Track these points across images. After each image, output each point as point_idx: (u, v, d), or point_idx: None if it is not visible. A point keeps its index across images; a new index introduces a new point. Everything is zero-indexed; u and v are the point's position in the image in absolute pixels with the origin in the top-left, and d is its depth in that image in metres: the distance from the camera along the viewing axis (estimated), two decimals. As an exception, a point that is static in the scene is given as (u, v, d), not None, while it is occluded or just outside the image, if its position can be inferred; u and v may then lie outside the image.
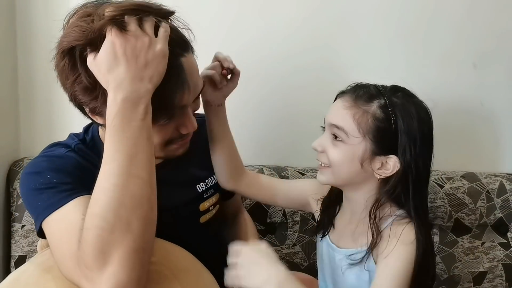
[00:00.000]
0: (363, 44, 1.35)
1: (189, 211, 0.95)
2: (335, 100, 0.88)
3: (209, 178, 0.98)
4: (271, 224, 1.30)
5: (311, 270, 1.28)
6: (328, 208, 0.95)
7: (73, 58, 0.72)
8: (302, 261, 1.30)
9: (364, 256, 0.83)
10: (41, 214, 0.75)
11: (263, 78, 1.35)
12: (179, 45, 0.76)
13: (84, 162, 0.82)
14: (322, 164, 0.87)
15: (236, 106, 1.32)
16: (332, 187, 0.94)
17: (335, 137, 0.84)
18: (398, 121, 0.80)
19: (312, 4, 1.33)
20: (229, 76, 0.95)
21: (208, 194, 0.97)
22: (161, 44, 0.71)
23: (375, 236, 0.82)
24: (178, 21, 0.80)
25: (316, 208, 0.98)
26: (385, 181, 0.84)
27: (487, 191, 1.30)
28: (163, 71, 0.71)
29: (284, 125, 1.39)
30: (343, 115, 0.83)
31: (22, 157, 1.30)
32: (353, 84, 0.88)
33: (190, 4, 1.26)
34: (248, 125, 1.36)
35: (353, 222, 0.88)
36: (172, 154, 0.86)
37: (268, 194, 1.02)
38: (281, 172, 1.31)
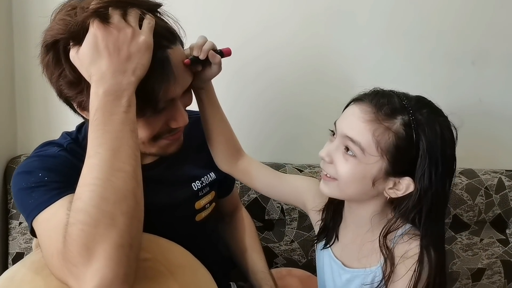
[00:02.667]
0: (361, 41, 1.34)
1: (184, 210, 0.94)
2: (348, 105, 0.79)
3: (205, 176, 0.97)
4: (269, 221, 1.30)
5: (309, 267, 1.28)
6: (330, 216, 0.88)
7: (57, 52, 0.71)
8: (300, 257, 1.30)
9: (379, 285, 0.78)
10: (31, 213, 0.74)
11: (261, 74, 1.35)
12: (165, 37, 0.74)
13: (76, 161, 0.80)
14: (328, 175, 0.79)
15: (234, 102, 1.35)
16: None
17: (347, 149, 0.75)
18: (420, 143, 0.72)
19: (310, 9, 1.32)
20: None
21: (204, 192, 0.96)
22: (144, 36, 0.69)
23: (388, 266, 0.76)
24: (167, 15, 0.78)
25: (313, 215, 0.92)
26: (394, 200, 0.77)
27: (486, 188, 1.30)
28: (147, 63, 0.69)
29: (282, 122, 1.39)
30: (361, 129, 0.73)
31: (19, 154, 1.29)
32: (371, 90, 0.79)
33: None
34: (246, 121, 1.35)
35: (358, 240, 0.82)
36: (164, 151, 0.84)
37: (263, 185, 0.96)
38: (279, 169, 1.30)
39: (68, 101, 0.78)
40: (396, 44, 1.35)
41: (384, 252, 0.76)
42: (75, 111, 0.79)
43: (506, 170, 1.36)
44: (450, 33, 1.35)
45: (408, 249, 0.75)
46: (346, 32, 1.34)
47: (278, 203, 1.28)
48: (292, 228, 1.29)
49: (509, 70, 1.39)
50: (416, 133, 0.72)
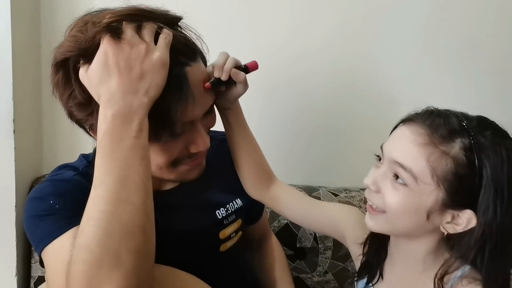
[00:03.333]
0: (402, 52, 1.26)
1: (208, 239, 0.87)
2: (397, 126, 0.72)
3: (230, 203, 0.90)
4: (300, 249, 1.21)
5: None
6: (374, 250, 0.78)
7: (67, 71, 0.67)
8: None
9: None
10: (40, 243, 0.70)
11: (293, 93, 1.29)
12: (184, 53, 0.68)
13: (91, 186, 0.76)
14: (374, 207, 0.70)
15: (265, 122, 1.29)
16: None
17: (397, 176, 0.67)
18: (484, 170, 0.62)
19: (343, 16, 1.25)
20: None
21: (229, 220, 0.89)
22: (160, 52, 0.63)
23: None
24: (189, 29, 0.73)
25: (354, 248, 0.83)
26: (452, 237, 0.68)
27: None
28: (162, 82, 0.63)
29: (314, 140, 1.31)
30: (413, 154, 0.65)
31: (44, 173, 1.27)
32: (424, 109, 0.70)
33: (203, 9, 1.23)
34: (277, 142, 1.29)
35: (407, 280, 0.73)
36: (184, 177, 0.77)
37: (297, 214, 0.88)
38: (312, 192, 1.22)
39: (79, 123, 0.73)
40: (438, 56, 1.26)
41: None
42: (87, 133, 0.74)
43: None
44: (498, 47, 1.24)
45: None
46: (384, 42, 1.26)
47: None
48: (326, 258, 1.20)
49: None
50: (479, 159, 0.62)
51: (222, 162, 0.88)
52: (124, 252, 0.55)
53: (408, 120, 0.69)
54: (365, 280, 0.79)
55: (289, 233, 1.19)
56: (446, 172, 0.63)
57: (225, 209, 0.88)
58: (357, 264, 0.82)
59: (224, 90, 0.77)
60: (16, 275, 1.17)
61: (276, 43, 1.26)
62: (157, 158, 0.71)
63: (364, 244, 0.79)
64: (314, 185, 1.26)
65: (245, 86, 0.78)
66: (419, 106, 1.25)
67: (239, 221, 0.91)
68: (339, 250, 1.19)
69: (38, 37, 1.25)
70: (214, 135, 0.92)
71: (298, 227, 1.19)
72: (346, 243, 0.86)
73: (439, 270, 0.67)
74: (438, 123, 0.65)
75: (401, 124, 0.71)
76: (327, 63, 1.26)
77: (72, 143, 1.29)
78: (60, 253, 0.65)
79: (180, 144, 0.71)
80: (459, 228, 0.65)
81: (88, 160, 0.83)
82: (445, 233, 0.67)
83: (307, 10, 1.25)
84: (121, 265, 0.55)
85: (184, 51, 0.68)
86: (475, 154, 0.62)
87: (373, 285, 0.78)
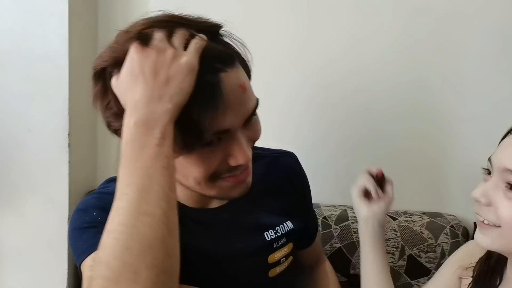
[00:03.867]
0: (470, 68, 1.16)
1: (255, 263, 0.82)
2: (506, 135, 0.69)
3: (280, 225, 0.84)
4: (355, 276, 1.12)
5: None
6: (486, 275, 0.74)
7: (104, 81, 0.65)
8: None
9: None
10: (80, 256, 0.69)
11: (344, 100, 1.22)
12: (220, 58, 0.64)
13: None
14: (486, 222, 0.67)
15: (318, 138, 1.22)
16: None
17: (510, 185, 0.63)
18: None
19: (404, 30, 1.18)
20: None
21: (279, 244, 0.83)
22: (188, 57, 0.60)
23: None
24: (233, 38, 0.68)
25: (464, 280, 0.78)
26: None
27: None
28: (189, 87, 0.59)
29: (372, 161, 1.22)
30: None
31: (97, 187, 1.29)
32: None
33: (254, 20, 1.20)
34: (330, 159, 1.21)
35: None
36: (227, 195, 0.72)
37: None
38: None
39: (117, 134, 0.71)
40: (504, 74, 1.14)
41: None
42: None
43: None
44: None
45: None
46: (450, 57, 1.16)
47: (366, 255, 1.11)
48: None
49: None
50: None
51: (272, 181, 0.84)
52: (142, 267, 0.52)
53: None
54: None
55: (342, 258, 1.12)
56: None
57: (274, 231, 0.83)
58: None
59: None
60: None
61: (332, 55, 1.20)
62: (194, 171, 0.67)
63: (478, 268, 0.74)
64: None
65: (390, 194, 0.87)
66: (489, 123, 1.14)
67: (290, 245, 0.85)
68: (398, 279, 1.10)
69: (95, 50, 1.27)
70: (265, 153, 0.88)
71: (352, 251, 1.11)
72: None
73: None
74: None
75: (510, 134, 0.68)
76: (384, 77, 1.19)
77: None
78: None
79: (217, 155, 0.66)
80: None
81: None
82: None
83: (365, 21, 1.18)
84: (139, 281, 0.51)
85: (221, 56, 0.64)
86: None
87: None
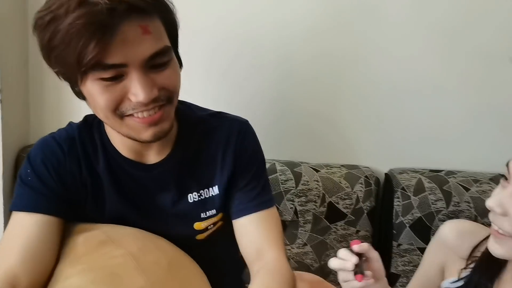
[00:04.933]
0: (388, 36, 1.26)
1: (181, 227, 0.86)
2: None
3: (204, 190, 0.86)
4: (281, 222, 1.24)
5: (322, 272, 1.23)
6: (485, 269, 0.73)
7: (53, 31, 0.67)
8: (312, 262, 1.24)
9: None
10: (12, 205, 0.78)
11: (280, 73, 1.30)
12: (134, 6, 0.66)
13: (75, 151, 0.81)
14: (500, 231, 0.64)
15: (252, 100, 1.30)
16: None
17: None
18: None
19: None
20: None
21: (207, 214, 0.86)
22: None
23: None
24: None
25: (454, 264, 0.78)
26: None
27: None
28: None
29: (299, 120, 1.33)
30: None
31: (31, 143, 1.29)
32: None
33: None
34: (263, 119, 1.30)
35: None
36: (137, 135, 0.75)
37: None
38: (294, 168, 1.25)
39: (72, 83, 0.74)
40: (427, 39, 1.26)
41: None
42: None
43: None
44: (487, 30, 1.25)
45: None
46: (369, 25, 1.26)
47: (292, 203, 1.22)
48: (305, 231, 1.24)
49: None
50: None
51: (210, 150, 0.85)
52: None
53: None
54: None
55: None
56: None
57: (198, 194, 0.85)
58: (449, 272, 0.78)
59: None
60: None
61: (265, 27, 1.26)
62: (99, 101, 0.70)
63: (471, 259, 0.74)
64: (296, 161, 1.29)
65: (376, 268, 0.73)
66: (399, 87, 1.24)
67: (220, 215, 0.88)
68: (318, 223, 1.23)
69: (24, 6, 1.24)
70: (212, 119, 0.87)
71: (279, 200, 1.22)
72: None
73: None
74: None
75: None
76: (313, 47, 1.27)
77: (58, 112, 1.31)
78: (14, 228, 0.76)
79: (119, 89, 0.70)
80: None
81: (79, 126, 0.83)
82: None
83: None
84: None
85: (136, 4, 0.66)
86: None
87: None
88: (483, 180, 1.23)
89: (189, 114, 0.87)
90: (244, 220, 0.84)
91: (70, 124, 0.85)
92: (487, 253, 0.71)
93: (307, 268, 1.23)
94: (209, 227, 0.87)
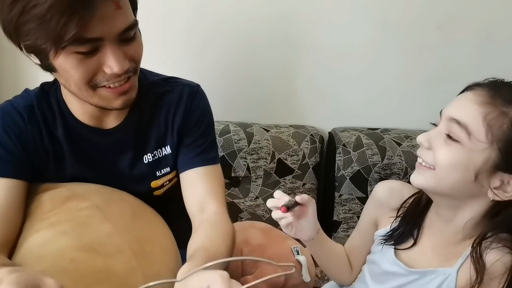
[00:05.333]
0: (327, 5, 1.35)
1: (139, 185, 0.92)
2: (461, 92, 0.72)
3: (157, 150, 0.91)
4: (235, 178, 1.35)
5: (273, 221, 1.33)
6: (412, 216, 0.80)
7: None
8: (264, 213, 1.37)
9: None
10: None
11: (231, 37, 1.37)
12: None
13: (34, 118, 0.83)
14: (424, 163, 0.71)
15: (206, 65, 1.37)
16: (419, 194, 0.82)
17: (450, 136, 0.68)
18: None
19: None
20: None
21: (162, 172, 0.92)
22: None
23: (479, 277, 0.68)
24: None
25: (386, 216, 0.86)
26: (497, 204, 0.69)
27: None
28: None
29: (250, 84, 1.42)
30: (471, 110, 0.66)
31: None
32: (491, 79, 0.71)
33: None
34: (216, 83, 1.37)
35: (443, 247, 0.76)
36: (108, 104, 0.80)
37: (367, 250, 0.91)
38: (246, 128, 1.35)
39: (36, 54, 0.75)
40: (365, 10, 1.36)
41: (476, 262, 0.69)
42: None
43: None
44: (417, 1, 1.36)
45: (502, 255, 0.69)
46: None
47: (245, 160, 1.33)
48: (257, 185, 1.35)
49: (476, 34, 1.42)
50: None
51: (162, 110, 0.90)
52: None
53: (472, 86, 0.71)
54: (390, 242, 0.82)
55: (225, 164, 1.31)
56: (502, 132, 0.64)
57: (152, 154, 0.91)
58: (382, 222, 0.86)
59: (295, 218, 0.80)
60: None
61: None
62: (73, 75, 0.74)
63: (407, 210, 0.81)
64: (248, 122, 1.39)
65: (307, 213, 0.81)
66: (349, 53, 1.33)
67: (174, 172, 0.94)
68: (269, 178, 1.34)
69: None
70: (165, 83, 0.92)
71: (233, 158, 1.32)
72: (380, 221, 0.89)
73: (477, 238, 0.69)
74: (502, 89, 0.67)
75: (465, 90, 0.71)
76: (264, 16, 1.35)
77: (14, 79, 1.32)
78: None
79: (93, 62, 0.74)
80: (508, 195, 0.66)
81: (36, 93, 0.86)
82: (492, 199, 0.67)
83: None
84: None
85: None
86: None
87: (400, 250, 0.81)
88: (413, 136, 1.38)
89: (142, 79, 0.90)
90: (189, 173, 0.89)
91: (27, 91, 0.87)
92: (411, 205, 0.81)
93: (260, 219, 1.36)
94: (165, 183, 0.93)
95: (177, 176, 0.94)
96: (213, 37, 1.36)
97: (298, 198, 0.77)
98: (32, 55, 0.75)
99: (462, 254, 0.73)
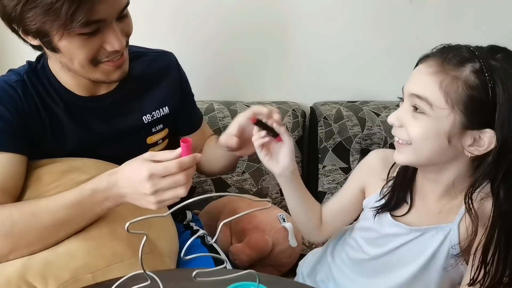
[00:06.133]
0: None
1: (135, 143, 0.97)
2: (416, 66, 0.75)
3: (156, 111, 0.99)
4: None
5: (260, 194, 1.40)
6: (402, 184, 0.83)
7: None
8: (251, 187, 1.41)
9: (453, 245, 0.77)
10: None
11: (214, 16, 1.40)
12: None
13: (28, 92, 0.86)
14: (400, 141, 0.75)
15: (188, 45, 1.41)
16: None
17: (416, 108, 0.72)
18: (497, 89, 0.66)
19: None
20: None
21: (157, 129, 1.00)
22: None
23: (474, 227, 0.73)
24: None
25: (373, 188, 0.88)
26: (477, 159, 0.72)
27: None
28: None
29: (233, 62, 1.46)
30: (426, 82, 0.70)
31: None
32: (439, 47, 0.74)
33: None
34: (199, 63, 1.41)
35: (435, 204, 0.80)
36: (107, 77, 0.86)
37: (350, 219, 0.94)
38: (230, 106, 1.39)
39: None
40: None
41: (469, 213, 0.73)
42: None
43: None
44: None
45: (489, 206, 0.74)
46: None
47: (230, 137, 1.37)
48: (243, 160, 1.40)
49: (446, 7, 1.47)
50: (491, 79, 0.67)
51: (151, 75, 0.98)
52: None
53: (424, 57, 0.74)
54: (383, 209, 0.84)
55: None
56: (459, 95, 0.68)
57: (151, 115, 0.98)
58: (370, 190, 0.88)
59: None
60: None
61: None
62: (78, 54, 0.80)
63: (396, 178, 0.84)
64: (232, 100, 1.43)
65: (287, 142, 0.83)
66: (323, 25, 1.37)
67: (166, 130, 1.02)
68: (253, 155, 1.38)
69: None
70: (147, 51, 1.01)
71: (218, 135, 1.35)
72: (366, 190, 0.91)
73: (467, 190, 0.73)
74: (449, 54, 0.70)
75: (419, 63, 0.74)
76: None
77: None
78: None
79: (96, 41, 0.80)
80: (482, 149, 0.70)
81: (31, 66, 0.90)
82: (470, 156, 0.71)
83: None
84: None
85: None
86: (486, 74, 0.67)
87: (396, 216, 0.83)
88: (391, 106, 1.44)
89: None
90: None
91: (13, 70, 0.90)
92: (400, 172, 0.83)
93: (247, 192, 1.40)
94: (158, 141, 1.00)
95: (168, 137, 1.02)
96: (191, 19, 1.40)
97: (275, 125, 0.81)
98: (29, 37, 0.79)
99: (460, 209, 0.77)
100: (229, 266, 1.02)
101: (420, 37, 1.48)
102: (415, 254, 0.81)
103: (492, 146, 0.69)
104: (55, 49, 0.80)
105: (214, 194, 0.93)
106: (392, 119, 0.75)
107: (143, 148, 0.97)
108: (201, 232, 1.08)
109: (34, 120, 0.87)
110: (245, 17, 1.41)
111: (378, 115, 1.41)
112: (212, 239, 0.97)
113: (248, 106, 1.40)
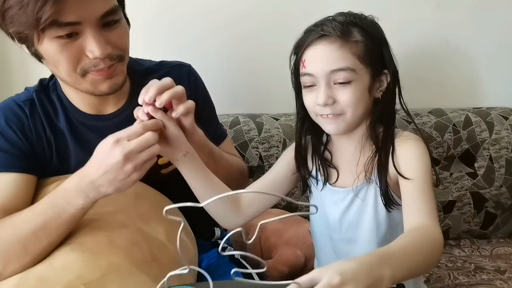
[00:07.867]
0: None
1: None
2: (302, 53, 0.83)
3: None
4: (248, 168, 1.33)
5: (289, 209, 1.35)
6: (321, 157, 0.91)
7: None
8: (280, 200, 1.36)
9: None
10: None
11: (235, 28, 1.39)
12: None
13: (35, 111, 0.86)
14: (331, 116, 0.82)
15: (210, 57, 1.39)
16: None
17: (340, 83, 0.80)
18: (379, 36, 0.83)
19: None
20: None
21: None
22: None
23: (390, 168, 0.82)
24: None
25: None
26: (374, 103, 0.85)
27: (454, 125, 1.37)
28: None
29: (257, 74, 1.44)
30: (341, 55, 0.79)
31: None
32: (312, 27, 0.83)
33: None
34: (223, 75, 1.40)
35: (358, 160, 0.86)
36: (95, 88, 0.82)
37: (272, 202, 0.95)
38: (256, 119, 1.36)
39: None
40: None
41: (372, 138, 0.84)
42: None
43: (473, 108, 1.43)
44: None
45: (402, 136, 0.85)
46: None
47: (257, 150, 1.34)
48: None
49: (475, 11, 1.43)
50: (373, 31, 0.82)
51: None
52: None
53: (315, 40, 0.81)
54: (320, 183, 0.91)
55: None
56: (363, 52, 0.80)
57: None
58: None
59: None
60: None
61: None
62: (60, 60, 0.77)
63: (315, 154, 0.91)
64: (257, 113, 1.40)
65: (187, 122, 0.80)
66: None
67: None
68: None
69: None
70: (159, 67, 0.97)
71: (245, 148, 1.33)
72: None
73: (369, 126, 0.85)
74: (338, 27, 0.80)
75: (307, 47, 0.82)
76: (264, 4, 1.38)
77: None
78: None
79: (76, 47, 0.76)
80: (384, 87, 0.84)
81: (43, 83, 0.90)
82: (379, 96, 0.84)
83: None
84: None
85: None
86: (368, 31, 0.81)
87: (330, 184, 0.90)
88: (422, 114, 1.38)
89: (137, 66, 0.95)
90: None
91: (26, 89, 0.91)
92: (304, 148, 0.92)
93: (275, 206, 1.35)
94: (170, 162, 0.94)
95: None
96: (212, 32, 1.39)
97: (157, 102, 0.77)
98: (24, 45, 0.78)
99: (375, 160, 0.85)
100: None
101: (450, 41, 1.44)
102: (361, 211, 0.87)
103: (389, 79, 0.83)
104: (38, 56, 0.79)
105: (256, 191, 0.93)
106: (324, 98, 0.80)
107: (154, 169, 0.89)
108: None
109: (40, 140, 0.87)
110: (261, 26, 1.39)
111: (410, 122, 1.35)
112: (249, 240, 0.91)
113: (274, 118, 1.37)
